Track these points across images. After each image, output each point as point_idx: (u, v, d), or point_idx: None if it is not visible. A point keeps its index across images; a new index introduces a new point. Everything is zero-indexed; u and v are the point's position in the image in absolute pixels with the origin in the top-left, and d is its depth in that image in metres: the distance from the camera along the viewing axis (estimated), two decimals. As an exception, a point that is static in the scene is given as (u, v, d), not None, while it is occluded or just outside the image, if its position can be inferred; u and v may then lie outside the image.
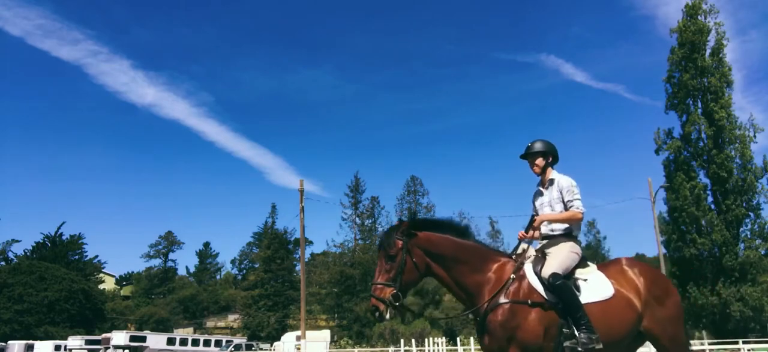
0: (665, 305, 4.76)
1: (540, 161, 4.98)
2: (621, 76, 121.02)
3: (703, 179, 36.42)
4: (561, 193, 4.83)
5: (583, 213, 4.82)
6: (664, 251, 36.49)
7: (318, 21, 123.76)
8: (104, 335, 47.19)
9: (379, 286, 4.34)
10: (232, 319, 73.25)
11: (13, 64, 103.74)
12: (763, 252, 34.80)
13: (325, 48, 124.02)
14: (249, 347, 47.93)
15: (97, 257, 73.60)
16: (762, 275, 34.19)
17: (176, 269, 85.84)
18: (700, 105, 37.13)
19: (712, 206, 35.86)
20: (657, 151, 37.87)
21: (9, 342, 47.01)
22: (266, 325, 59.77)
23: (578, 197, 4.82)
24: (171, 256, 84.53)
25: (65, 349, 45.56)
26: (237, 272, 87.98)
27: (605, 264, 5.00)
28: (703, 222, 35.01)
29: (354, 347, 42.57)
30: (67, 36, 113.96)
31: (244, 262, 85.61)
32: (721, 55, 36.90)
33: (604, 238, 66.92)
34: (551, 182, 4.93)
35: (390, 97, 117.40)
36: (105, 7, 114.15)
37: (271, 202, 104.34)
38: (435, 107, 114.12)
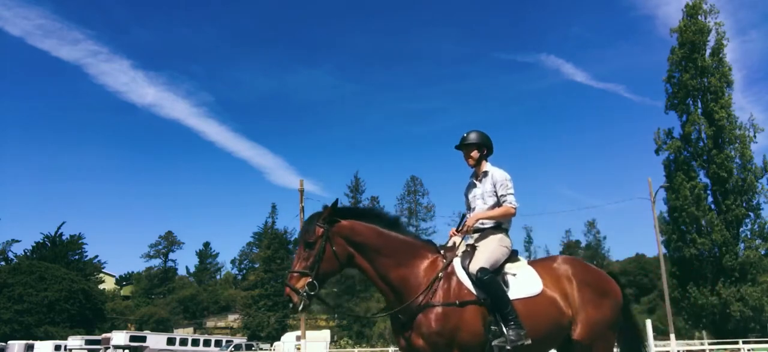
0: (599, 306, 4.53)
1: (475, 153, 4.84)
2: (621, 76, 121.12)
3: (703, 178, 36.47)
4: (494, 186, 4.71)
5: (515, 209, 4.69)
6: (664, 250, 36.49)
7: (318, 21, 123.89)
8: (104, 335, 47.20)
9: (294, 274, 4.14)
10: (232, 319, 73.25)
11: (13, 64, 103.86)
12: (763, 252, 34.80)
13: (325, 48, 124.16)
14: (249, 347, 47.95)
15: (97, 257, 73.69)
16: (762, 275, 34.19)
17: (176, 269, 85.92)
18: (700, 105, 37.14)
19: (712, 206, 35.87)
20: (657, 151, 37.94)
21: (9, 342, 47.01)
22: (266, 325, 59.79)
23: (511, 191, 4.72)
24: (171, 256, 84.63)
25: (65, 349, 45.55)
26: (237, 272, 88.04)
27: (539, 260, 4.86)
28: (703, 222, 35.02)
29: (354, 347, 42.58)
30: (67, 36, 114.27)
31: (244, 262, 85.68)
32: (721, 55, 36.93)
33: (604, 238, 67.36)
34: (485, 174, 4.80)
35: (390, 97, 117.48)
36: (105, 7, 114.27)
37: (271, 202, 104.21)
38: (435, 107, 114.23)
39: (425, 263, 4.38)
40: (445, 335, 4.07)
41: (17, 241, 70.18)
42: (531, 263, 4.65)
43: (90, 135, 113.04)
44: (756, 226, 35.11)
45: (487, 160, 4.90)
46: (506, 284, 4.35)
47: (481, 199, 4.78)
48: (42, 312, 55.17)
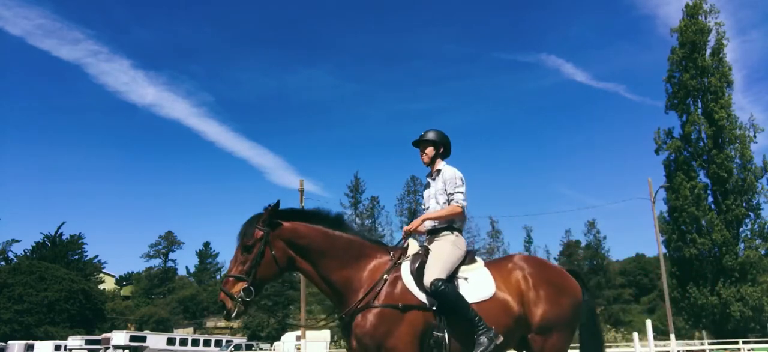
0: (556, 304, 4.36)
1: (430, 151, 4.73)
2: (621, 76, 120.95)
3: (703, 178, 36.51)
4: (445, 184, 4.57)
5: (463, 207, 4.50)
6: (664, 250, 36.50)
7: (318, 21, 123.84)
8: (104, 335, 47.20)
9: (230, 279, 4.02)
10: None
11: (13, 64, 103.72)
12: (763, 252, 34.82)
13: (325, 48, 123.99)
14: (249, 347, 47.96)
15: (97, 257, 73.71)
16: (762, 275, 34.20)
17: (176, 269, 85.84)
18: (700, 105, 37.17)
19: (712, 206, 35.89)
20: (657, 151, 37.99)
21: (9, 342, 47.02)
22: (266, 325, 59.78)
23: (460, 190, 4.52)
24: (171, 256, 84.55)
25: (65, 349, 45.57)
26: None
27: (496, 260, 4.70)
28: (703, 222, 35.04)
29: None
30: (67, 36, 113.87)
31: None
32: (721, 55, 36.97)
33: (604, 238, 67.11)
34: (438, 172, 4.68)
35: (390, 96, 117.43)
36: (105, 6, 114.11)
37: (271, 202, 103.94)
38: (435, 107, 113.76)
39: (371, 264, 4.25)
40: (376, 339, 3.92)
41: (17, 241, 70.24)
42: (487, 263, 4.52)
43: (90, 135, 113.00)
44: (756, 226, 35.14)
45: (442, 160, 4.78)
46: (458, 288, 4.19)
47: (434, 198, 4.65)
48: (42, 312, 55.18)
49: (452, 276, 4.25)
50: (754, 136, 35.84)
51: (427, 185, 4.80)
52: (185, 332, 59.79)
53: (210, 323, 74.28)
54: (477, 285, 4.26)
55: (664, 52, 39.09)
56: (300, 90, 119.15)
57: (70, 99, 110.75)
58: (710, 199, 36.24)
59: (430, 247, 4.40)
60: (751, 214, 35.22)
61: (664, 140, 37.73)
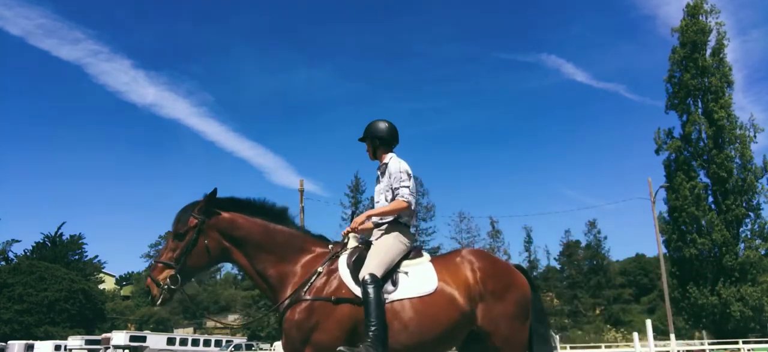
0: (503, 299, 4.19)
1: (372, 145, 4.52)
2: (621, 76, 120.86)
3: (703, 178, 36.52)
4: (390, 179, 4.36)
5: (408, 202, 4.28)
6: (664, 250, 36.51)
7: (319, 20, 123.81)
8: (104, 335, 47.17)
9: (158, 265, 3.89)
10: (232, 319, 73.27)
11: (13, 64, 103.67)
12: (763, 252, 34.83)
13: (325, 48, 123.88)
14: (249, 347, 47.93)
15: (97, 257, 73.58)
16: (762, 275, 34.21)
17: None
18: (700, 105, 37.18)
19: (712, 206, 35.90)
20: (657, 151, 38.00)
21: (9, 342, 47.04)
22: (266, 325, 59.75)
23: (406, 184, 4.30)
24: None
25: (65, 349, 45.58)
26: (237, 272, 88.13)
27: (442, 256, 4.54)
28: (703, 222, 35.05)
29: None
30: (67, 35, 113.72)
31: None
32: (721, 55, 36.99)
33: (605, 238, 67.08)
34: (385, 166, 4.46)
35: (391, 96, 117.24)
36: (106, 6, 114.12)
37: (273, 202, 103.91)
38: (435, 107, 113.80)
39: (308, 258, 4.14)
40: (302, 331, 3.81)
41: (17, 241, 70.21)
42: (433, 258, 4.35)
43: (90, 135, 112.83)
44: (756, 226, 35.16)
45: (389, 151, 4.53)
46: (395, 283, 4.05)
47: (383, 194, 4.44)
48: (42, 312, 55.18)
49: (393, 271, 4.11)
50: (754, 136, 35.91)
51: (377, 180, 4.57)
52: (185, 332, 59.81)
53: (210, 323, 74.40)
54: (418, 280, 4.10)
55: (665, 52, 39.17)
56: (301, 90, 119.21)
57: (71, 99, 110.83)
58: (710, 199, 36.26)
59: (372, 241, 4.27)
60: (751, 214, 35.24)
61: (664, 140, 37.75)
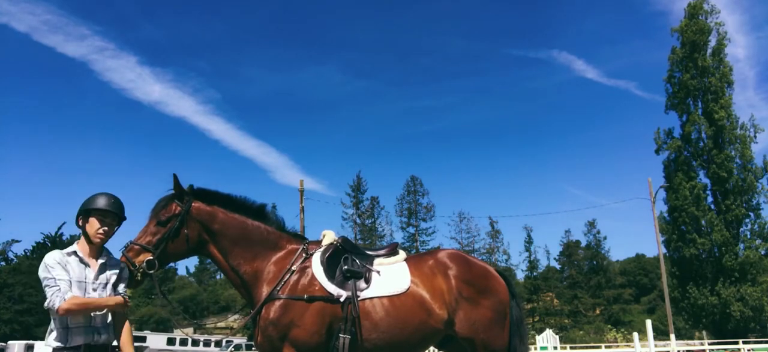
0: (480, 304, 4.17)
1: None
2: (633, 73, 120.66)
3: (703, 178, 36.57)
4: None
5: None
6: (664, 250, 36.51)
7: (325, 17, 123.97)
8: (104, 335, 47.16)
9: (135, 247, 3.77)
10: (232, 319, 73.23)
11: (19, 60, 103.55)
12: (763, 252, 34.83)
13: (332, 45, 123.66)
14: (249, 347, 47.95)
15: (97, 257, 73.59)
16: (762, 275, 34.20)
17: (176, 269, 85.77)
18: (700, 105, 37.18)
19: (712, 206, 35.91)
20: (657, 151, 38.04)
21: (9, 342, 46.99)
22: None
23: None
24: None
25: (65, 349, 45.55)
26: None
27: (417, 255, 4.51)
28: (703, 222, 35.06)
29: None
30: (73, 32, 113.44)
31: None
32: (721, 55, 37.01)
33: (605, 238, 67.16)
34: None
35: (399, 93, 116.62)
36: (112, 2, 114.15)
37: (274, 201, 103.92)
38: (444, 104, 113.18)
39: (281, 255, 4.17)
40: (279, 328, 3.84)
41: (17, 241, 70.03)
42: (409, 258, 4.37)
43: (95, 132, 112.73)
44: (756, 226, 35.17)
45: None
46: (368, 280, 4.07)
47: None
48: (42, 312, 55.10)
49: (367, 269, 4.14)
50: (755, 137, 35.91)
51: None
52: (185, 333, 59.75)
53: (210, 323, 74.39)
54: (390, 279, 4.11)
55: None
56: (307, 88, 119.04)
57: (76, 96, 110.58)
58: (710, 199, 36.27)
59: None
60: (751, 214, 35.25)
61: (664, 140, 37.78)
